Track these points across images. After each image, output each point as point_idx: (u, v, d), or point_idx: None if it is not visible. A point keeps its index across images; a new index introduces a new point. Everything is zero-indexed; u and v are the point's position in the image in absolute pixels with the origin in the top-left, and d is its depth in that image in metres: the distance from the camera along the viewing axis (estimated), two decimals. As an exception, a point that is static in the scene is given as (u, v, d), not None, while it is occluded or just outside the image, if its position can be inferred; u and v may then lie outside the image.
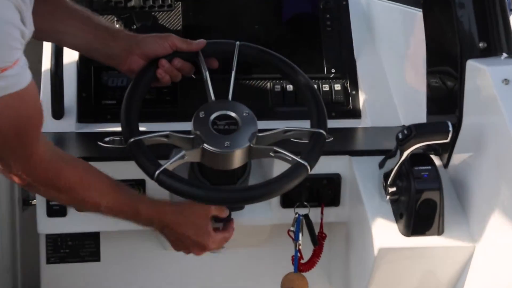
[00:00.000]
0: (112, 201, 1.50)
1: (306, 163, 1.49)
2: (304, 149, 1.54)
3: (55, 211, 1.75)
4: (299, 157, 1.50)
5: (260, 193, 1.50)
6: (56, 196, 1.47)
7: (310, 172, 1.50)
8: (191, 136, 1.52)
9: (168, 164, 1.47)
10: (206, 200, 1.50)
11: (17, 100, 1.24)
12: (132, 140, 1.48)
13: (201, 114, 1.54)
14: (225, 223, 1.65)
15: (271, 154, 1.53)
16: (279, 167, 1.75)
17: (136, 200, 1.53)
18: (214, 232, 1.59)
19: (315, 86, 2.03)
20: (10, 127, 1.26)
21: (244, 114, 1.55)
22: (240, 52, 1.61)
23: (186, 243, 1.59)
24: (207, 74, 1.58)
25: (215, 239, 1.60)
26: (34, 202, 1.82)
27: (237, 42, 1.61)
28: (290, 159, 1.51)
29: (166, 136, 1.53)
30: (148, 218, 1.55)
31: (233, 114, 1.54)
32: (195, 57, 1.59)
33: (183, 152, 1.49)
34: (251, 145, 1.51)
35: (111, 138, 1.83)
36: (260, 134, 1.54)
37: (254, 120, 1.55)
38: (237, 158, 1.53)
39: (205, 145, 1.49)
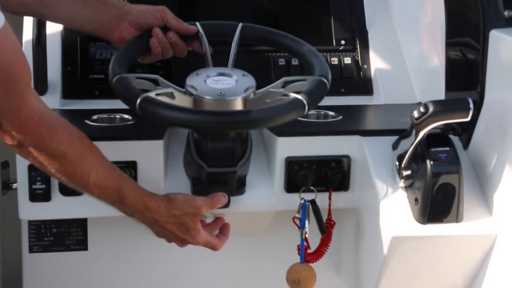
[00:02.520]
0: (102, 178, 1.51)
1: (304, 99, 1.50)
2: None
3: (38, 195, 1.74)
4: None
5: (249, 119, 1.49)
6: (47, 162, 1.46)
7: (306, 111, 1.51)
8: (183, 90, 1.56)
9: (153, 93, 1.50)
10: (191, 125, 1.51)
11: None
12: (117, 77, 1.51)
13: (197, 73, 1.59)
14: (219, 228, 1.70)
15: (267, 100, 1.56)
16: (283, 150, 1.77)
17: (124, 185, 1.54)
18: (203, 231, 1.63)
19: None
20: None
21: (242, 75, 1.59)
22: (242, 34, 1.66)
23: (170, 236, 1.63)
24: (207, 46, 1.64)
25: (202, 238, 1.63)
26: (15, 185, 1.82)
27: (240, 24, 1.66)
28: (288, 94, 1.54)
29: (155, 80, 1.57)
30: (131, 208, 1.56)
31: (230, 73, 1.59)
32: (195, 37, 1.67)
33: (171, 89, 1.54)
34: (247, 97, 1.55)
35: (99, 116, 1.82)
36: (257, 91, 1.57)
37: (252, 80, 1.58)
38: (232, 108, 1.55)
39: (197, 94, 1.53)
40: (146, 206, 1.53)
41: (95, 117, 1.82)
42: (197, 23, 1.68)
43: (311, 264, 1.78)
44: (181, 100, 1.55)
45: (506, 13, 1.72)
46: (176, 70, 2.01)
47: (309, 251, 1.77)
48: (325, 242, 1.80)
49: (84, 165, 1.48)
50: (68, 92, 1.94)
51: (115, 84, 1.51)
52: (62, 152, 1.44)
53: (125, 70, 1.55)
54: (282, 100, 1.53)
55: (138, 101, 1.46)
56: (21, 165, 1.70)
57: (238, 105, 1.55)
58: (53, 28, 1.95)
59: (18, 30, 1.95)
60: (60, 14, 1.62)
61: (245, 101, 1.55)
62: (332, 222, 1.83)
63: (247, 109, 1.54)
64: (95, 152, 1.51)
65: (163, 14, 1.64)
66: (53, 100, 1.90)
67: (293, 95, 1.52)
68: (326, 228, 1.80)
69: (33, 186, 1.73)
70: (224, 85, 1.56)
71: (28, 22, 1.93)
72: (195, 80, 1.58)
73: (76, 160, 1.46)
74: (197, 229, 1.61)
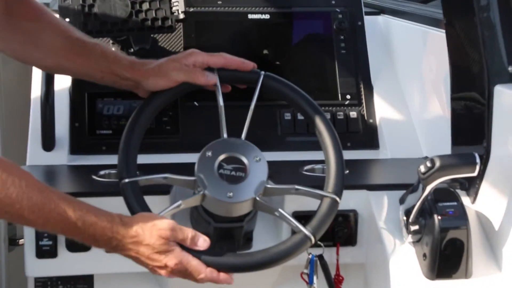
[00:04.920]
0: (39, 204, 1.37)
1: (310, 234, 1.51)
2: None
3: (45, 251, 1.74)
4: (303, 225, 1.51)
5: (253, 261, 1.50)
6: None
7: (313, 243, 1.52)
8: (193, 178, 1.52)
9: (160, 216, 1.47)
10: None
11: None
12: (126, 181, 1.49)
13: (208, 154, 1.53)
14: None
15: (275, 214, 1.54)
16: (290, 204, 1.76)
17: (68, 207, 1.40)
18: (177, 252, 1.47)
19: (329, 114, 2.06)
20: None
21: (255, 160, 1.54)
22: (264, 84, 1.60)
23: (145, 262, 1.48)
24: (222, 106, 1.57)
25: (176, 257, 1.46)
26: (21, 241, 1.81)
27: (262, 72, 1.61)
28: (294, 225, 1.52)
29: (165, 178, 1.53)
30: (87, 231, 1.41)
31: (242, 158, 1.54)
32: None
33: (179, 202, 1.51)
34: (257, 198, 1.52)
35: (106, 171, 1.83)
36: (268, 186, 1.54)
37: (265, 167, 1.54)
38: (240, 209, 1.54)
39: (206, 191, 1.50)
40: (101, 226, 1.41)
41: (102, 172, 1.82)
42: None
43: (317, 321, 1.76)
44: (189, 202, 1.53)
45: (510, 68, 1.73)
46: (183, 125, 2.02)
47: (316, 307, 1.75)
48: (332, 298, 1.78)
49: (11, 193, 1.34)
50: (76, 148, 1.96)
51: (123, 190, 1.49)
52: None
53: (134, 167, 1.51)
54: (287, 240, 1.53)
55: None
56: (28, 221, 1.70)
57: (247, 207, 1.54)
58: (61, 85, 1.97)
59: (26, 85, 1.97)
60: (86, 76, 1.65)
61: (254, 201, 1.52)
62: (341, 278, 1.82)
63: (249, 253, 1.54)
64: (25, 178, 1.38)
65: (174, 80, 1.58)
66: (60, 155, 1.92)
67: (300, 226, 1.51)
68: (334, 283, 1.79)
69: (40, 243, 1.73)
70: (234, 182, 1.51)
71: (37, 78, 1.95)
72: (205, 169, 1.52)
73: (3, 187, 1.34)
74: (166, 250, 1.46)
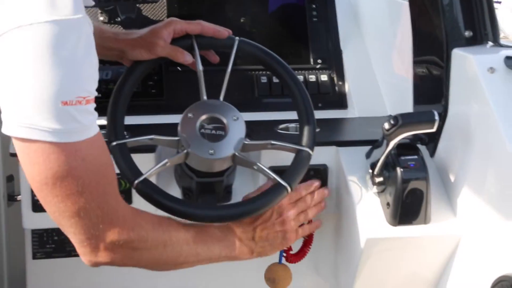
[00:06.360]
0: (198, 232, 1.49)
1: (286, 185, 1.54)
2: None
3: (40, 205, 1.72)
4: (279, 176, 1.55)
5: (237, 212, 1.54)
6: (150, 255, 1.43)
7: (290, 192, 1.55)
8: (176, 138, 1.56)
9: (148, 174, 1.51)
10: (182, 215, 1.52)
11: (97, 145, 1.25)
12: (115, 143, 1.52)
13: (190, 115, 1.57)
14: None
15: (254, 167, 1.58)
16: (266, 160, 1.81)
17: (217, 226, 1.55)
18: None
19: (302, 77, 2.09)
20: (94, 178, 1.25)
21: (233, 119, 1.58)
22: (239, 48, 1.63)
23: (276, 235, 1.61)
24: (201, 71, 1.60)
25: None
26: (19, 197, 1.84)
27: (237, 38, 1.63)
28: (271, 177, 1.56)
29: (150, 139, 1.57)
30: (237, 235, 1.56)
31: (222, 118, 1.58)
32: (190, 49, 1.61)
33: (165, 161, 1.54)
34: (236, 153, 1.56)
35: None
36: (246, 142, 1.58)
37: (242, 125, 1.58)
38: (220, 165, 1.58)
39: (189, 150, 1.54)
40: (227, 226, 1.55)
41: None
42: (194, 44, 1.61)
43: (291, 265, 1.79)
44: (175, 160, 1.56)
45: (466, 33, 1.77)
46: (167, 88, 2.05)
47: (292, 252, 1.78)
48: (307, 243, 1.80)
49: (178, 232, 1.46)
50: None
51: (112, 153, 1.50)
52: (155, 225, 1.41)
53: (121, 130, 1.53)
54: (266, 191, 1.56)
55: (135, 183, 1.49)
56: (25, 178, 1.72)
57: (227, 162, 1.58)
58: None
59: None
60: None
61: (234, 157, 1.57)
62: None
63: (232, 204, 1.59)
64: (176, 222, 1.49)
65: (158, 53, 1.57)
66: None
67: (277, 178, 1.54)
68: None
69: (35, 198, 1.75)
70: (215, 140, 1.55)
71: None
72: (188, 129, 1.56)
73: (168, 230, 1.44)
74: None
